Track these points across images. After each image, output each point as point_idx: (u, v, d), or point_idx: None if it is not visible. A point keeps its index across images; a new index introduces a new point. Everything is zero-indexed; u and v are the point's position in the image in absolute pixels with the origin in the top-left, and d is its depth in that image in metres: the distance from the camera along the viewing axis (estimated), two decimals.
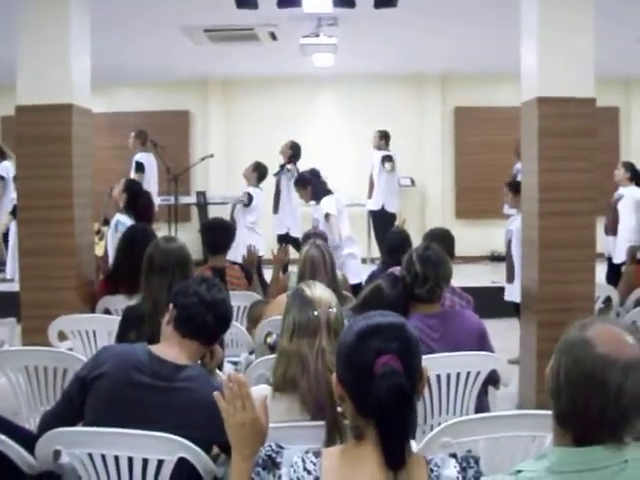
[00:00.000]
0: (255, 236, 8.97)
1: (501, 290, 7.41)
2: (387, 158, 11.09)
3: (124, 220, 6.32)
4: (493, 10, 8.11)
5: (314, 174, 8.18)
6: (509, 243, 7.15)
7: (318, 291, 2.86)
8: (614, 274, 8.09)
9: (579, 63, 5.51)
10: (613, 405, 1.64)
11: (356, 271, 7.63)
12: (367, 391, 1.78)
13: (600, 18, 5.64)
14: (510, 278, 7.09)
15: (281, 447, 1.91)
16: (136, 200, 6.45)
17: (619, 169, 8.78)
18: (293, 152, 10.17)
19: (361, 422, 1.85)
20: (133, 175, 9.95)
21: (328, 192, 8.04)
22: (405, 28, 9.39)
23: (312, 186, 8.07)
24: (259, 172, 9.59)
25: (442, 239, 4.82)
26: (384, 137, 11.30)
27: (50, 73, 5.59)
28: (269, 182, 10.09)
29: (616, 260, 8.34)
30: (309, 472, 1.83)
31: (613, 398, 1.63)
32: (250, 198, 9.38)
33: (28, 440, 2.75)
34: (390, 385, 1.76)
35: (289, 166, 10.00)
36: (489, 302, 6.59)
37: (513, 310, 6.99)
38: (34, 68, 5.60)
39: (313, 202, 8.26)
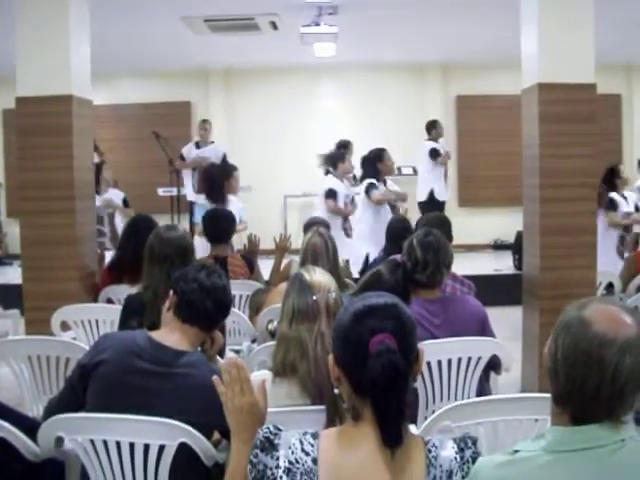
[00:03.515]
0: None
1: (504, 278, 7.40)
2: (433, 151, 11.02)
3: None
4: None
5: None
6: None
7: (317, 276, 2.85)
8: None
9: (579, 48, 5.50)
10: (609, 383, 1.64)
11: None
12: (363, 370, 1.78)
13: (601, 3, 5.62)
14: None
15: (279, 429, 1.91)
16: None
17: None
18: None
19: (358, 402, 1.85)
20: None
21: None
22: (405, 17, 9.37)
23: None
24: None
25: (439, 224, 4.79)
26: (428, 128, 11.29)
27: (49, 64, 5.60)
28: None
29: None
30: (307, 453, 1.83)
31: (610, 376, 1.63)
32: (331, 192, 8.38)
33: (31, 428, 2.76)
34: (384, 362, 1.76)
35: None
36: (492, 290, 6.60)
37: (516, 299, 6.98)
38: (33, 59, 5.61)
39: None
